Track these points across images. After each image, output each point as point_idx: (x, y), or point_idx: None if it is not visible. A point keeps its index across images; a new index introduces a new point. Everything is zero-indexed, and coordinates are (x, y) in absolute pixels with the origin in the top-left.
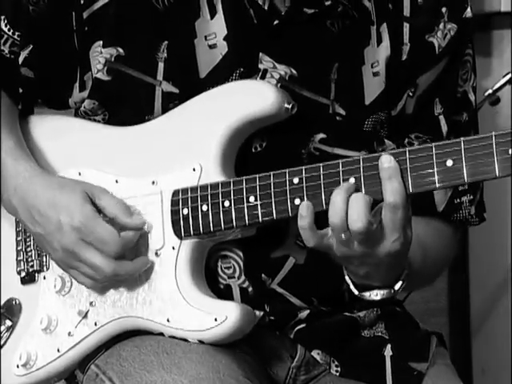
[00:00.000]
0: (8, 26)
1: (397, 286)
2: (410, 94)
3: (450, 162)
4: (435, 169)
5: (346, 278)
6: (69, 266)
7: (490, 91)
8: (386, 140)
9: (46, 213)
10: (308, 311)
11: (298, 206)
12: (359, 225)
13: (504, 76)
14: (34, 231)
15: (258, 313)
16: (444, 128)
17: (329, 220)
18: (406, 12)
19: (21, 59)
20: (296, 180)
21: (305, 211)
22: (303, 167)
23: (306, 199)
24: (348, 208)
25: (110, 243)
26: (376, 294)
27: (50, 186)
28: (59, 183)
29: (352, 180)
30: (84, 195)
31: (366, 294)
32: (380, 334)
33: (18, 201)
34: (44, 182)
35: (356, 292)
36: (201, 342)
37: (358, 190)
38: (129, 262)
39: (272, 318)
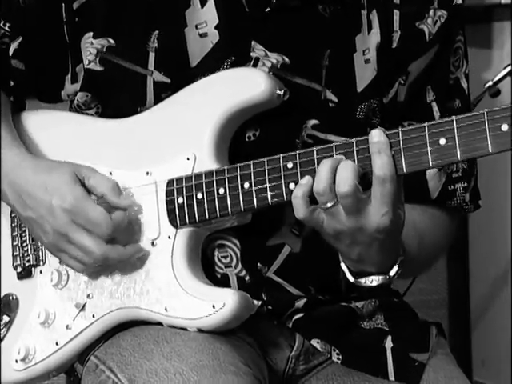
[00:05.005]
0: None
1: (392, 272)
2: (402, 81)
3: (443, 141)
4: (428, 148)
5: (342, 264)
6: (59, 249)
7: (491, 83)
8: (379, 127)
9: (38, 196)
10: (305, 300)
11: (293, 190)
12: (346, 188)
13: (504, 68)
14: (25, 215)
15: (256, 302)
16: (437, 115)
17: (313, 189)
18: None
19: (11, 51)
20: (290, 165)
21: (305, 180)
22: (297, 152)
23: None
24: (336, 174)
25: (102, 225)
26: (371, 281)
27: (40, 170)
28: (48, 166)
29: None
30: (73, 176)
31: (362, 281)
32: (380, 325)
33: (8, 186)
34: (33, 165)
35: (352, 279)
36: (200, 330)
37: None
38: (120, 247)
39: (270, 307)
